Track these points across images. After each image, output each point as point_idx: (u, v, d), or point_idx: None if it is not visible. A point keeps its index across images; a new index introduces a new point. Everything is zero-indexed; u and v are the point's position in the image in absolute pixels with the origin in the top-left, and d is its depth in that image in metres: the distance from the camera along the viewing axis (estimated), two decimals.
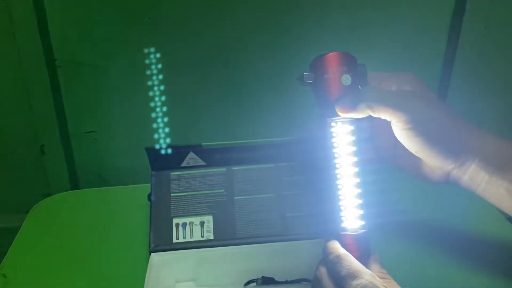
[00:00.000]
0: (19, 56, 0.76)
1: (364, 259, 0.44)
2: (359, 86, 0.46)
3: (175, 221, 0.61)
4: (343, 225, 0.46)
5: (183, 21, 0.76)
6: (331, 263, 0.43)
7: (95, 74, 0.78)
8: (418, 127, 0.44)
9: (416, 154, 0.46)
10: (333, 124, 0.46)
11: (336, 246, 0.44)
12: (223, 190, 0.63)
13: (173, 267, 0.58)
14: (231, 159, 0.64)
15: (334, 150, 0.46)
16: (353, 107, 0.45)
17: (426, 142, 0.44)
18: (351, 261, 0.42)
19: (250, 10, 0.76)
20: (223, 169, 0.64)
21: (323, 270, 0.44)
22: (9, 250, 0.64)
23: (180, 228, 0.60)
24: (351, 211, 0.46)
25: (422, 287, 0.56)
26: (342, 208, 0.46)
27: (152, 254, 0.58)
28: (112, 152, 0.84)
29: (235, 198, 0.62)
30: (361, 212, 0.46)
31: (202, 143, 0.63)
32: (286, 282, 0.57)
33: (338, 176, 0.46)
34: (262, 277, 0.57)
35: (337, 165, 0.46)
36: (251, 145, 0.63)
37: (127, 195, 0.74)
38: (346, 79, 0.45)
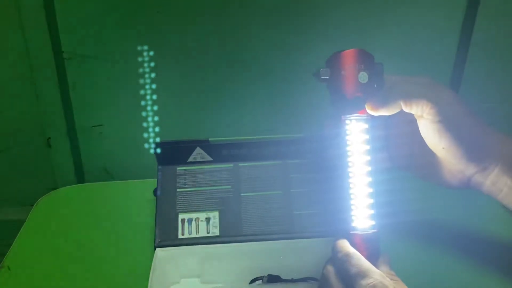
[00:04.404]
0: (27, 49, 0.76)
1: (373, 260, 0.43)
2: (375, 85, 0.45)
3: (180, 216, 0.60)
4: (354, 224, 0.45)
5: (193, 16, 0.75)
6: (340, 261, 0.43)
7: (102, 67, 0.78)
8: (449, 121, 0.43)
9: (441, 153, 0.45)
10: (347, 121, 0.46)
11: (346, 245, 0.44)
12: (229, 186, 0.62)
13: (178, 263, 0.57)
14: (238, 155, 0.63)
15: (347, 148, 0.46)
16: (384, 102, 0.44)
17: (455, 138, 0.43)
18: (361, 260, 0.42)
19: (261, 7, 0.75)
20: (230, 165, 0.63)
21: (330, 269, 0.44)
22: (14, 242, 0.64)
23: (186, 224, 0.60)
24: (362, 211, 0.45)
25: None
26: (352, 207, 0.45)
27: (157, 249, 0.58)
28: (118, 146, 0.83)
29: (242, 194, 0.62)
30: (372, 212, 0.45)
31: (210, 139, 0.62)
32: (292, 280, 0.56)
33: (350, 174, 0.46)
34: (268, 275, 0.57)
35: (349, 164, 0.46)
36: (259, 141, 0.63)
37: (133, 190, 0.74)
38: (363, 76, 0.45)
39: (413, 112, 0.44)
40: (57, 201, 0.73)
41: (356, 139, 0.46)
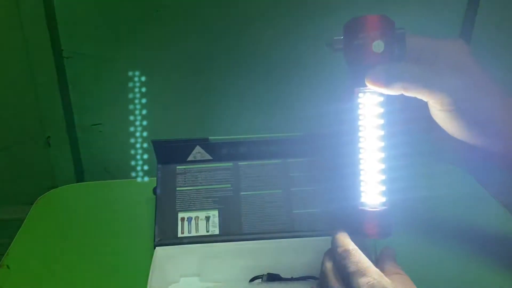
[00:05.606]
0: (26, 47, 0.76)
1: (384, 237, 0.42)
2: (395, 54, 0.41)
3: (180, 215, 0.60)
4: (363, 200, 0.43)
5: (192, 15, 0.75)
6: (339, 257, 0.42)
7: (102, 66, 0.78)
8: (458, 109, 0.40)
9: (454, 136, 0.42)
10: (361, 94, 0.42)
11: (346, 240, 0.43)
12: (229, 185, 0.62)
13: (178, 262, 0.57)
14: (238, 154, 0.63)
15: (360, 123, 0.43)
16: (385, 84, 0.40)
17: (466, 125, 0.41)
18: (360, 257, 0.41)
19: (261, 5, 0.75)
20: (229, 164, 0.63)
21: (329, 266, 0.43)
22: (13, 241, 0.64)
23: (186, 223, 0.60)
24: (372, 187, 0.43)
25: (435, 284, 0.54)
26: (362, 183, 0.43)
27: (157, 248, 0.58)
28: (117, 145, 0.83)
29: (242, 193, 0.62)
30: (383, 188, 0.43)
31: (209, 137, 0.62)
32: (292, 279, 0.56)
33: (361, 150, 0.43)
34: (268, 273, 0.57)
35: (361, 139, 0.43)
36: (259, 140, 0.63)
37: (133, 189, 0.74)
38: (378, 45, 0.40)
39: (418, 97, 0.41)
40: (56, 200, 0.73)
41: (369, 113, 0.42)
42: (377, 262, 0.44)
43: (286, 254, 0.57)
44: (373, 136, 0.42)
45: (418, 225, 0.64)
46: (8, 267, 0.59)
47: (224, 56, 0.78)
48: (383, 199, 0.43)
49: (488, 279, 0.57)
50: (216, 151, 0.63)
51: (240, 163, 0.63)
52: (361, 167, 0.43)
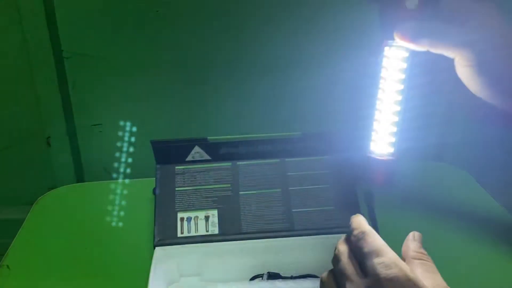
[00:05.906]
0: (27, 47, 0.76)
1: (386, 185, 0.44)
2: (428, 12, 0.43)
3: (179, 215, 0.60)
4: (372, 148, 0.45)
5: (192, 15, 0.76)
6: (355, 239, 0.42)
7: (102, 66, 0.78)
8: (481, 64, 0.41)
9: (476, 94, 0.43)
10: (387, 48, 0.44)
11: (362, 222, 0.43)
12: (228, 185, 0.62)
13: (178, 261, 0.57)
14: (236, 154, 0.63)
15: (381, 75, 0.45)
16: (413, 39, 0.42)
17: (489, 81, 0.42)
18: (376, 238, 0.41)
19: (261, 5, 0.75)
20: (228, 164, 0.63)
21: (342, 249, 0.43)
22: (13, 241, 0.64)
23: (185, 222, 0.60)
24: (383, 137, 0.45)
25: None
26: (374, 132, 0.45)
27: (157, 248, 0.58)
28: (117, 145, 0.83)
29: (241, 193, 0.62)
30: (393, 139, 0.45)
31: (208, 137, 0.62)
32: (292, 277, 0.56)
33: (378, 101, 0.45)
34: (268, 272, 0.57)
35: (379, 91, 0.45)
36: (257, 139, 0.63)
37: (132, 189, 0.74)
38: (411, 2, 0.42)
39: (444, 54, 0.42)
40: (56, 200, 0.73)
41: (392, 67, 0.44)
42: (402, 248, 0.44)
43: (286, 253, 0.57)
44: (392, 89, 0.44)
45: (417, 224, 0.64)
46: (8, 267, 0.59)
47: (223, 56, 0.78)
48: (391, 150, 0.45)
49: (488, 278, 0.57)
50: (215, 151, 0.63)
51: (239, 162, 0.63)
52: (375, 117, 0.45)
